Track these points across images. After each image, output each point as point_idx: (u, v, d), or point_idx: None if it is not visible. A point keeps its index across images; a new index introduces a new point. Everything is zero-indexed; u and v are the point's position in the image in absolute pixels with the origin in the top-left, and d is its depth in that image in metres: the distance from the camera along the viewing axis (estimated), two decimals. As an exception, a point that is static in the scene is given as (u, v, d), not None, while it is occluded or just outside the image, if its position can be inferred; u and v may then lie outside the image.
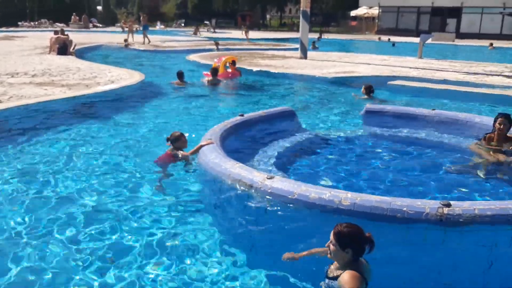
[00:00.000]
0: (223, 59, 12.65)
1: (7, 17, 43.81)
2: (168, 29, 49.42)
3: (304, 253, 3.14)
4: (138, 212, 3.93)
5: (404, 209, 3.20)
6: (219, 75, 11.68)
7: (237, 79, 12.11)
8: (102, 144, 5.88)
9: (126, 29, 28.24)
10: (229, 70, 12.42)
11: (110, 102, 8.53)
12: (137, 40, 25.38)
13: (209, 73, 11.36)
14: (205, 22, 54.99)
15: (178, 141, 5.14)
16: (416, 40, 22.03)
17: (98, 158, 5.27)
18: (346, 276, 2.53)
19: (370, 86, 9.59)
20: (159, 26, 50.51)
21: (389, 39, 34.49)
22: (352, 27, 53.45)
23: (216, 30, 45.83)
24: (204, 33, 41.07)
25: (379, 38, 36.20)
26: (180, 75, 10.94)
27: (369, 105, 7.41)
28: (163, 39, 29.25)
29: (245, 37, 32.13)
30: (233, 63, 12.51)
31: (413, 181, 4.77)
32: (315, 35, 33.98)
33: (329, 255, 2.67)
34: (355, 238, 2.55)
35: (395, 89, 10.74)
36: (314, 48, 23.16)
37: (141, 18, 28.81)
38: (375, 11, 49.01)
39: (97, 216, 3.82)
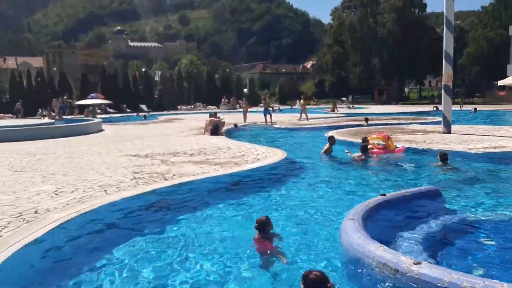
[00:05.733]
0: (379, 134, 13.13)
1: (170, 102, 50.92)
2: (307, 107, 51.68)
3: None
4: None
5: None
6: (386, 150, 12.33)
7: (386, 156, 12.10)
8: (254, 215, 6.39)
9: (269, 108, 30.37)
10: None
11: (257, 179, 9.26)
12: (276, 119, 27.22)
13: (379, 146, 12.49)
14: (342, 98, 56.33)
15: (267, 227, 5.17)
16: None
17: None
18: None
19: (445, 154, 10.27)
20: (298, 105, 53.15)
21: None
22: (499, 97, 49.50)
23: (355, 106, 46.56)
24: (342, 109, 41.98)
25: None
26: (331, 138, 12.48)
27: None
28: (303, 117, 30.68)
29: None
30: (365, 140, 12.78)
31: None
32: (456, 107, 32.50)
33: None
34: (315, 284, 3.24)
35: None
36: None
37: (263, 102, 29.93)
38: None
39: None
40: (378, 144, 12.85)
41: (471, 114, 31.97)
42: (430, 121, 23.89)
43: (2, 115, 35.88)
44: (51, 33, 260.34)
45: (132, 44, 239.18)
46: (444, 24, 16.92)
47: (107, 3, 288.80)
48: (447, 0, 16.60)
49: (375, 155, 12.11)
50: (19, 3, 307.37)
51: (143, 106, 46.02)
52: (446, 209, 6.50)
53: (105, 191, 7.74)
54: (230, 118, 27.89)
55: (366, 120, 22.85)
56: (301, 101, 32.67)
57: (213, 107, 49.82)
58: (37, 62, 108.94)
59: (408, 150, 12.66)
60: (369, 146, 12.33)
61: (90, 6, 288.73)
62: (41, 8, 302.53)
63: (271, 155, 11.74)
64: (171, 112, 45.55)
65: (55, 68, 68.09)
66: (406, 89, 75.52)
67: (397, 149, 12.47)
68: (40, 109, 36.11)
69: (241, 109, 32.35)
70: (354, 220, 5.02)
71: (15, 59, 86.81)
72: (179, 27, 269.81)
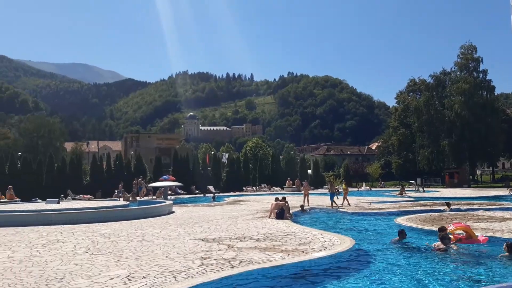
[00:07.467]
0: (457, 225, 12.52)
1: (236, 183, 52.08)
2: (373, 189, 50.50)
3: None
4: None
5: None
6: (471, 240, 11.68)
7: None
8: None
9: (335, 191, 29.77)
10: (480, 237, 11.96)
11: (325, 269, 9.07)
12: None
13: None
14: (411, 181, 54.49)
15: None
16: None
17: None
18: None
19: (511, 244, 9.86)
20: (364, 187, 52.14)
21: None
22: None
23: (425, 189, 44.85)
24: (410, 192, 40.50)
25: None
26: (401, 233, 12.09)
27: None
28: (369, 200, 29.96)
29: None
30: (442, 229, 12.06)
31: None
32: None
33: None
34: None
35: None
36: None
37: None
38: None
39: None
40: (458, 233, 12.18)
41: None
42: (506, 207, 22.32)
43: (82, 196, 38.44)
44: (130, 118, 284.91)
45: (202, 128, 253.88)
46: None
47: (182, 92, 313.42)
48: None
49: (463, 241, 11.55)
50: (104, 92, 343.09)
51: (211, 187, 47.32)
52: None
53: (175, 277, 7.95)
54: (295, 200, 27.86)
55: (448, 205, 21.10)
56: (343, 185, 29.28)
57: (278, 188, 50.09)
58: (116, 146, 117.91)
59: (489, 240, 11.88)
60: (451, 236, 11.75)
61: (166, 95, 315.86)
62: (124, 97, 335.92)
63: (338, 243, 11.50)
64: (237, 193, 46.32)
65: (132, 152, 72.92)
66: (478, 171, 71.54)
67: (482, 238, 11.72)
68: (116, 191, 38.33)
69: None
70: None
71: (97, 143, 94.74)
72: (246, 111, 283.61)
